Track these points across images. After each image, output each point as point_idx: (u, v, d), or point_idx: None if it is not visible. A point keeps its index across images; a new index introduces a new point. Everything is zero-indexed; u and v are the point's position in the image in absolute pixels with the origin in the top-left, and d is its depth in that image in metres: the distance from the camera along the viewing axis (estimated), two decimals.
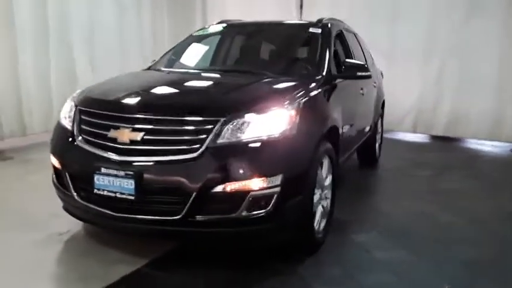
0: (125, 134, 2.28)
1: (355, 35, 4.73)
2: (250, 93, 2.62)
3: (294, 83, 2.86)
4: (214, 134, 2.21)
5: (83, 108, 2.55)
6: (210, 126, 2.23)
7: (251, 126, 2.27)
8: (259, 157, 2.25)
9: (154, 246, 2.67)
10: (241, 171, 2.20)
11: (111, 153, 2.30)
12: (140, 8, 7.76)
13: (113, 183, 2.26)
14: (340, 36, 3.93)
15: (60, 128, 2.65)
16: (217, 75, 3.35)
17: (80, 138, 2.47)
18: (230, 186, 2.17)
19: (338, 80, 3.27)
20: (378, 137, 5.39)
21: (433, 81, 7.39)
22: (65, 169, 2.51)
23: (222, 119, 2.24)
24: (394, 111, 7.70)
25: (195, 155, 2.18)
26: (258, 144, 2.24)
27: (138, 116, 2.31)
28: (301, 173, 2.41)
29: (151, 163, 2.22)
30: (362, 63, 3.32)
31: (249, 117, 2.29)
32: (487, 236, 3.19)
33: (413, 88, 7.55)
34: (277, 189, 2.25)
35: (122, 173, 2.23)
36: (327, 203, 2.92)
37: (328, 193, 3.00)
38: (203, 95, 2.66)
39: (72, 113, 2.60)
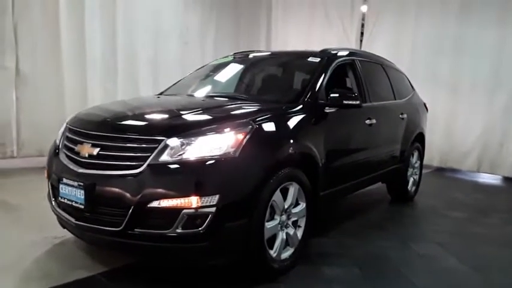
0: (85, 149, 2.53)
1: (382, 66, 4.59)
2: (202, 116, 2.74)
3: (257, 108, 2.92)
4: (157, 152, 2.36)
5: (69, 126, 2.88)
6: (153, 145, 2.38)
7: (191, 147, 2.37)
8: (195, 176, 2.33)
9: (123, 257, 2.85)
10: (176, 188, 2.30)
11: (74, 165, 2.57)
12: (204, 42, 8.28)
13: (70, 192, 2.51)
14: (350, 66, 3.87)
15: (53, 143, 3.02)
16: (198, 99, 3.45)
17: (61, 151, 2.79)
18: (165, 203, 2.28)
19: (329, 110, 3.23)
20: (413, 171, 5.05)
21: (500, 116, 6.75)
22: (48, 179, 2.85)
23: (166, 139, 2.38)
24: (455, 148, 7.20)
25: (137, 171, 2.34)
26: (195, 164, 2.33)
27: (96, 133, 2.56)
28: (245, 196, 2.43)
29: (100, 176, 2.43)
30: (351, 92, 3.23)
31: (190, 138, 2.39)
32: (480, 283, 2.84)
33: (478, 123, 6.98)
34: (213, 209, 2.30)
35: (76, 183, 2.47)
36: (294, 231, 2.86)
37: (300, 221, 2.94)
38: (156, 117, 2.83)
39: (63, 129, 2.95)
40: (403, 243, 3.57)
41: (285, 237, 2.79)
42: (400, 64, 5.72)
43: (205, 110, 2.86)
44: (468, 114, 7.05)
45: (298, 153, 2.84)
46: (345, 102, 3.18)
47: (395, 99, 4.58)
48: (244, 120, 2.60)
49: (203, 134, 2.43)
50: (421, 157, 5.27)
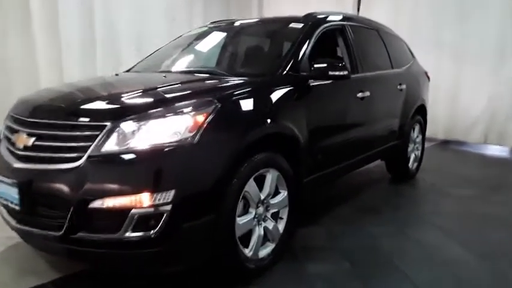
0: (20, 139, 2.15)
1: (378, 31, 4.12)
2: (156, 95, 2.31)
3: (225, 84, 2.50)
4: (100, 141, 1.96)
5: (10, 112, 2.49)
6: (95, 133, 1.98)
7: (141, 133, 1.97)
8: (145, 169, 1.94)
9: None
10: (121, 184, 1.92)
11: (11, 158, 2.19)
12: (192, 16, 7.77)
13: (6, 190, 2.14)
14: (339, 32, 3.41)
15: None
16: (158, 76, 2.99)
17: (2, 142, 2.41)
18: (109, 202, 1.91)
19: (313, 82, 2.81)
20: (414, 147, 4.64)
21: (508, 84, 6.26)
22: None
23: (109, 124, 1.98)
24: (461, 119, 6.78)
25: (76, 164, 1.96)
26: (145, 153, 1.94)
27: (31, 120, 2.17)
28: (208, 189, 2.05)
29: (35, 171, 2.05)
30: (337, 62, 2.79)
31: (139, 122, 1.99)
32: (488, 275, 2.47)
33: (484, 92, 6.49)
34: (168, 207, 1.93)
35: (10, 180, 2.10)
36: (274, 224, 2.49)
37: (282, 212, 2.58)
38: (102, 98, 2.39)
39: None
40: (400, 229, 3.20)
41: (262, 232, 2.42)
42: (401, 31, 5.23)
43: (162, 88, 2.43)
44: (474, 83, 6.55)
45: (275, 134, 2.45)
46: (330, 73, 2.75)
47: (392, 69, 4.13)
48: (207, 98, 2.18)
49: (154, 116, 2.02)
50: (422, 131, 4.85)
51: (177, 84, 2.54)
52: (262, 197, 2.40)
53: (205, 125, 2.05)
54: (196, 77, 2.76)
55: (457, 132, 6.84)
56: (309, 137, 2.73)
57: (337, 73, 2.75)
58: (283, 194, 2.56)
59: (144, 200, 1.91)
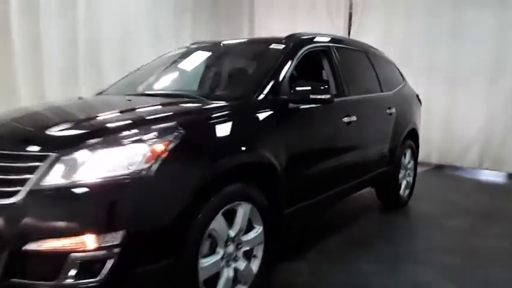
0: None
1: (366, 53, 3.94)
2: (112, 121, 2.07)
3: (194, 108, 2.28)
4: (41, 173, 1.72)
5: None
6: (36, 164, 1.74)
7: (88, 165, 1.73)
8: (90, 206, 1.69)
9: None
10: (63, 223, 1.67)
11: None
12: (180, 35, 7.61)
13: None
14: (324, 54, 3.21)
15: None
16: (122, 100, 2.71)
17: None
18: (47, 244, 1.65)
19: (294, 106, 2.59)
20: (406, 173, 4.41)
21: (502, 106, 6.10)
22: None
23: (52, 154, 1.74)
24: (455, 143, 6.58)
25: (13, 200, 1.70)
26: (90, 189, 1.69)
27: None
28: (165, 229, 1.80)
29: None
30: (319, 84, 2.58)
31: (86, 152, 1.75)
32: None
33: (478, 115, 6.32)
34: (116, 250, 1.67)
35: None
36: (246, 264, 2.23)
37: (256, 250, 2.32)
38: (48, 125, 2.08)
39: None
40: (392, 267, 2.93)
41: (232, 274, 2.16)
42: (393, 53, 5.09)
43: (121, 114, 2.19)
44: (468, 106, 6.39)
45: (249, 163, 2.22)
46: (312, 96, 2.53)
47: (381, 92, 3.93)
48: (169, 124, 1.95)
49: (105, 145, 1.79)
50: (414, 156, 4.62)
51: (140, 108, 2.30)
52: (233, 234, 2.14)
53: (164, 155, 1.80)
54: (164, 101, 2.52)
55: (451, 156, 6.63)
56: (288, 166, 2.49)
57: (319, 97, 2.53)
58: (258, 229, 2.30)
59: (87, 242, 1.66)
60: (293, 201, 2.63)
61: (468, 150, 6.45)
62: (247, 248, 2.25)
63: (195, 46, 3.52)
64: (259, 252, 2.33)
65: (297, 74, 2.87)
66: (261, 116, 2.38)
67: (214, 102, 2.39)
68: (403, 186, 4.36)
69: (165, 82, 3.21)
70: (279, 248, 2.47)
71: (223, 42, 3.42)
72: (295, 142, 2.58)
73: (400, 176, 4.26)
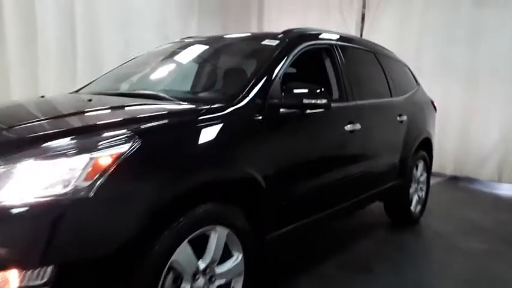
0: None
1: (375, 54, 3.55)
2: (53, 126, 1.71)
3: (159, 112, 1.91)
4: None
5: None
6: None
7: (9, 182, 1.39)
8: (10, 235, 1.35)
9: None
10: None
11: None
12: (186, 33, 7.29)
13: None
14: (326, 53, 2.84)
15: None
16: (82, 101, 2.33)
17: None
18: None
19: (287, 112, 2.22)
20: (418, 187, 4.00)
21: None
22: None
23: None
24: (471, 153, 6.11)
25: None
26: (10, 214, 1.35)
27: None
28: (112, 262, 1.45)
29: None
30: (315, 87, 2.20)
31: (12, 166, 1.41)
32: None
33: (498, 123, 5.86)
34: None
35: None
36: None
37: (235, 283, 1.95)
38: None
39: None
40: None
41: None
42: (406, 55, 4.68)
43: (68, 117, 1.84)
44: (486, 113, 5.92)
45: (226, 180, 1.86)
46: (305, 101, 2.16)
47: (391, 97, 3.54)
48: (121, 131, 1.59)
49: (36, 157, 1.43)
50: (427, 168, 4.20)
51: (94, 111, 1.95)
52: (203, 266, 1.78)
53: (111, 170, 1.45)
54: (128, 102, 2.16)
55: (468, 167, 6.16)
56: (277, 182, 2.12)
57: (313, 101, 2.16)
58: (237, 257, 1.94)
59: (8, 281, 1.31)
60: (282, 223, 2.26)
61: (486, 162, 5.98)
62: (223, 282, 1.89)
63: (181, 42, 3.17)
64: (238, 285, 1.97)
65: (292, 75, 2.50)
66: (245, 122, 2.02)
67: (187, 104, 2.03)
68: (414, 201, 3.94)
69: (141, 81, 2.86)
70: (263, 279, 2.10)
71: (213, 38, 3.07)
72: (285, 154, 2.21)
73: (411, 190, 3.85)
